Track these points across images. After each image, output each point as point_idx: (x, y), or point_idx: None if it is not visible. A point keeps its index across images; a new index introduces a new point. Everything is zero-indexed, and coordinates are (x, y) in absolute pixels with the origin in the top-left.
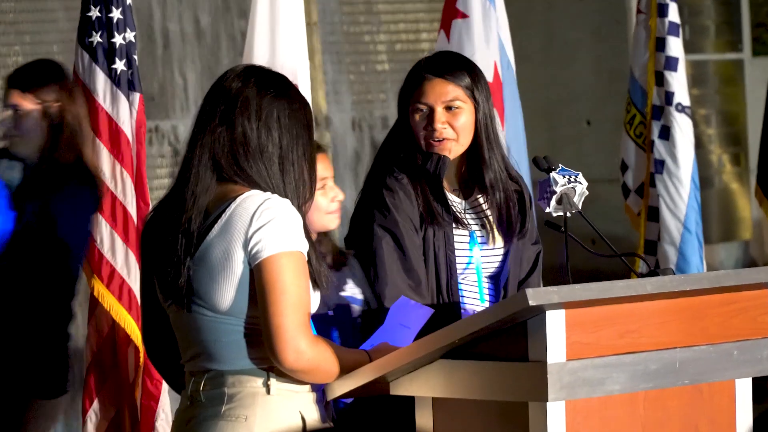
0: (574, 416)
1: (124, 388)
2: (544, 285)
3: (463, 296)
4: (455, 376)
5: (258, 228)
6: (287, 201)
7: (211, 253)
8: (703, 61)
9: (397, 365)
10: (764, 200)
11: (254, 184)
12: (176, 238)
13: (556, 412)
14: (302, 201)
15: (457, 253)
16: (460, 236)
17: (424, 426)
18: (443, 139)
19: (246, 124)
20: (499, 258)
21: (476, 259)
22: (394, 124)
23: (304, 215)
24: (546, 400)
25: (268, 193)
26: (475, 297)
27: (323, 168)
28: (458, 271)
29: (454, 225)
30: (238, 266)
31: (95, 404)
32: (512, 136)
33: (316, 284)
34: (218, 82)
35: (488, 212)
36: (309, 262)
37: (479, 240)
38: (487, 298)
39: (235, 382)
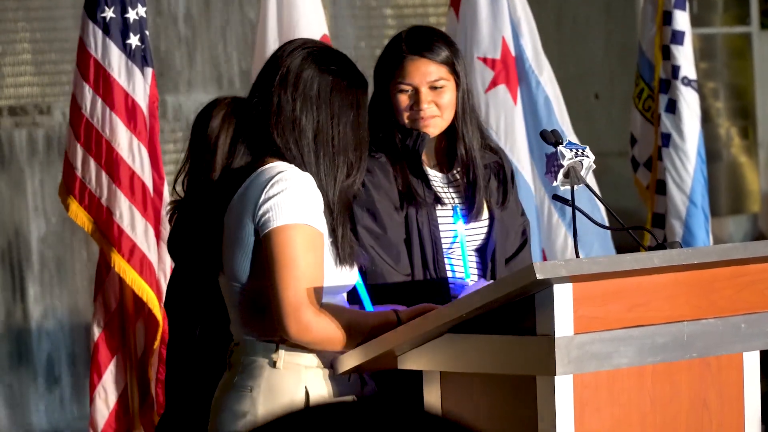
0: (582, 390)
1: (133, 363)
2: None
3: (454, 271)
4: (463, 350)
5: (267, 199)
6: (306, 175)
7: (228, 222)
8: (711, 34)
9: (404, 339)
10: None
11: (282, 157)
12: (207, 204)
13: (564, 386)
14: (340, 179)
15: (441, 228)
16: (443, 211)
17: (432, 400)
18: (428, 117)
19: (282, 95)
20: (484, 231)
21: (461, 233)
22: (370, 100)
23: (345, 192)
24: (554, 374)
25: (289, 166)
26: (461, 272)
27: None
28: (446, 246)
29: (435, 201)
30: (248, 236)
31: (103, 380)
32: (529, 111)
33: (341, 260)
34: (272, 53)
35: (468, 185)
36: (334, 236)
37: (462, 213)
38: (473, 272)
39: (250, 352)
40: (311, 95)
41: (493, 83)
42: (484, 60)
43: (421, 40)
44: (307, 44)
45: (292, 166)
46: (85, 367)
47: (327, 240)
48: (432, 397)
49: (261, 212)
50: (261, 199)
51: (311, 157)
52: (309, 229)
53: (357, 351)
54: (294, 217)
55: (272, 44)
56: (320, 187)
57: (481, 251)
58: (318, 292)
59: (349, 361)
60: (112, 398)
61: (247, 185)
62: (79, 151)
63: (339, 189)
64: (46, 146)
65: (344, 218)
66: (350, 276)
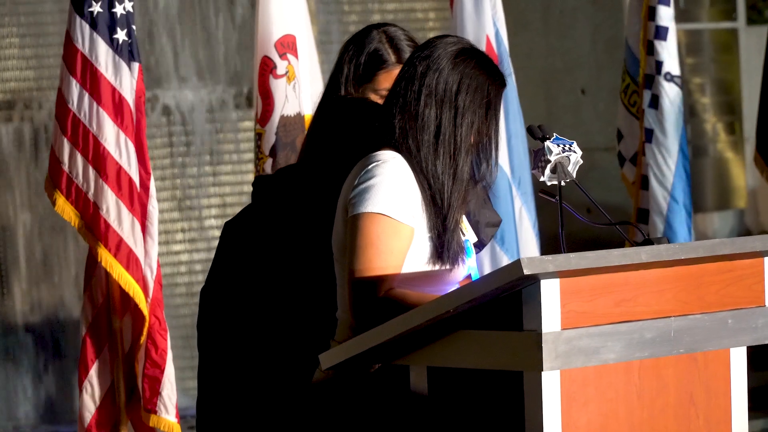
0: (569, 385)
1: (120, 357)
2: (542, 254)
3: None
4: (450, 346)
5: (358, 184)
6: (405, 168)
7: (337, 206)
8: (698, 29)
9: (390, 335)
10: (765, 168)
11: (399, 149)
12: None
13: (551, 382)
14: (461, 178)
15: None
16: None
17: (419, 395)
18: None
19: (410, 89)
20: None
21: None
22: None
23: (467, 192)
24: (541, 369)
25: (394, 156)
26: None
27: None
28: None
29: None
30: (343, 221)
31: (91, 374)
32: (507, 110)
33: (441, 260)
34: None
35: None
36: (437, 235)
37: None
38: None
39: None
40: (437, 92)
41: None
42: None
43: (404, 49)
44: (448, 41)
45: (398, 156)
46: (72, 361)
47: (425, 235)
48: (419, 392)
49: (351, 196)
50: (355, 183)
51: (429, 153)
52: (388, 221)
53: (343, 347)
54: (375, 206)
55: (264, 40)
56: (435, 184)
57: None
58: (388, 281)
59: (335, 357)
60: (99, 393)
61: (355, 169)
62: (66, 146)
63: (459, 189)
64: (33, 141)
65: (455, 219)
66: (453, 272)
